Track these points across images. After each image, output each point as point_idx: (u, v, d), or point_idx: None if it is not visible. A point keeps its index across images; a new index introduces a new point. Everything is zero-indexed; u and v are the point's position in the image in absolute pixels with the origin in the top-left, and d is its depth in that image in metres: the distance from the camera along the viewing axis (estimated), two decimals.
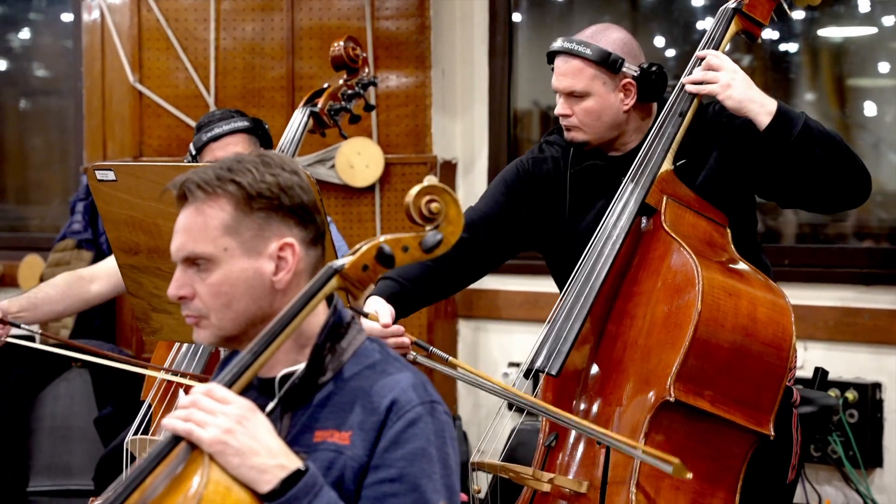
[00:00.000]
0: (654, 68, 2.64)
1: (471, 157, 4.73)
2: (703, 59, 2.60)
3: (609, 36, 2.65)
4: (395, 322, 2.47)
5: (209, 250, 1.77)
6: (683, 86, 2.62)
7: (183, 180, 1.80)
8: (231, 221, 1.77)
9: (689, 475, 2.09)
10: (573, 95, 2.63)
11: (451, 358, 2.47)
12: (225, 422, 1.66)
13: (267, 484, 1.65)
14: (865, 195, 2.58)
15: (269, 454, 1.66)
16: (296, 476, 1.66)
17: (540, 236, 2.77)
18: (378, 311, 2.47)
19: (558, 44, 2.67)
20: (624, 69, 2.62)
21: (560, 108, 2.67)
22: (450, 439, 1.78)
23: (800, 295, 3.36)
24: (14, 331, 2.95)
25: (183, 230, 1.79)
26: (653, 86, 2.64)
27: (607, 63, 2.60)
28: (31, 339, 2.99)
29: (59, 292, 3.07)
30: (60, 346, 3.07)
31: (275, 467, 1.65)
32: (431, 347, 2.50)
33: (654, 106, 2.71)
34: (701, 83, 2.58)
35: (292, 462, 1.67)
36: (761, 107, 2.51)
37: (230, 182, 1.77)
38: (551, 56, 2.70)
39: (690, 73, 2.62)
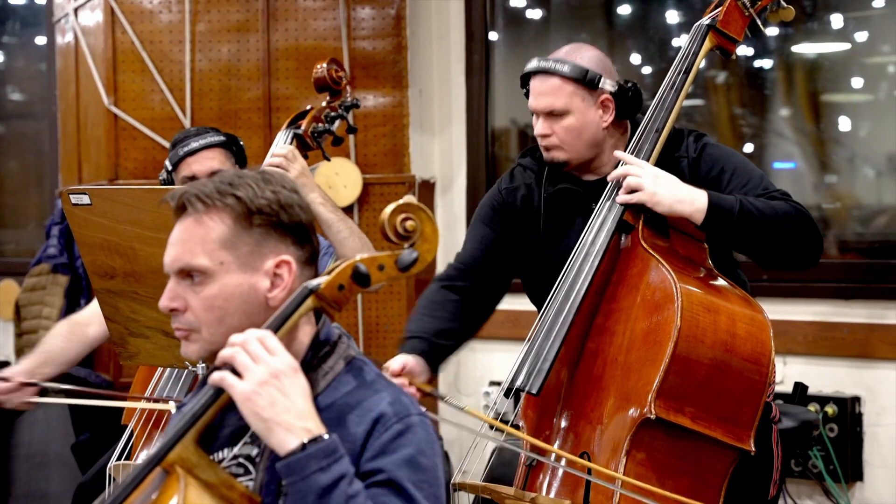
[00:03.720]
0: (629, 84, 2.65)
1: (449, 176, 4.73)
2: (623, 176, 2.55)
3: (584, 54, 2.66)
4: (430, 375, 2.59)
5: (205, 263, 1.76)
6: (658, 106, 2.64)
7: (182, 192, 1.79)
8: (230, 235, 1.76)
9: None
10: (552, 115, 2.64)
11: (466, 407, 2.46)
12: (263, 373, 1.66)
13: (290, 443, 1.64)
14: (816, 256, 2.58)
15: (297, 415, 1.66)
16: (319, 441, 1.65)
17: (519, 261, 2.78)
18: (392, 362, 2.54)
19: (534, 64, 2.68)
20: (601, 85, 2.63)
21: (539, 128, 2.66)
22: (437, 451, 1.78)
23: (778, 310, 3.37)
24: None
25: (179, 242, 1.78)
26: (629, 102, 2.65)
27: (585, 79, 2.62)
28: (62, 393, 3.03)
29: (64, 341, 3.09)
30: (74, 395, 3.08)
31: (301, 429, 1.65)
32: (445, 396, 2.48)
33: (628, 125, 2.72)
34: (630, 192, 2.53)
35: (318, 428, 1.67)
36: (692, 205, 2.49)
37: (231, 196, 1.77)
38: (525, 79, 2.71)
39: (615, 189, 2.58)
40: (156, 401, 2.94)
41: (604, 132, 2.67)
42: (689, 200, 2.49)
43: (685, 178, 2.60)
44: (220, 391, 1.71)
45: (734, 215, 2.48)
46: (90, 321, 3.11)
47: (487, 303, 2.80)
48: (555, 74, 2.63)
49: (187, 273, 1.78)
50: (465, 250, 2.81)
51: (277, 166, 3.03)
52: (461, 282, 2.75)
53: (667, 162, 2.64)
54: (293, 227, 1.79)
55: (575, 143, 2.64)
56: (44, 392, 2.97)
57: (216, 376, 1.69)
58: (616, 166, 2.65)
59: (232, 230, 1.76)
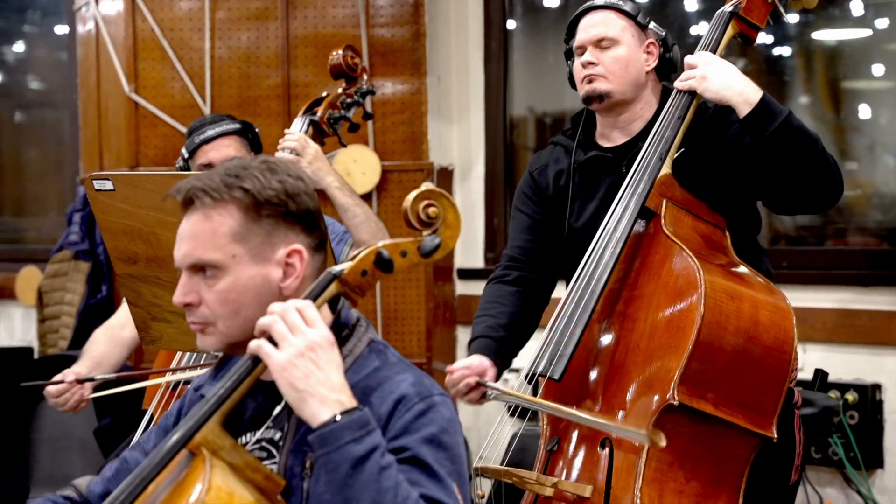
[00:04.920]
0: (672, 41, 2.73)
1: (467, 163, 4.74)
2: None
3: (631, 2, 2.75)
4: (500, 371, 2.64)
5: (217, 257, 1.77)
6: (679, 94, 2.65)
7: (188, 186, 1.78)
8: (239, 228, 1.77)
9: (662, 443, 2.08)
10: (600, 45, 2.69)
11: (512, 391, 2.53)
12: (300, 344, 1.67)
13: (323, 414, 1.65)
14: (832, 201, 2.60)
15: (331, 388, 1.67)
16: (351, 413, 1.66)
17: (557, 236, 2.79)
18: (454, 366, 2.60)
19: (588, 3, 2.75)
20: (650, 27, 2.72)
21: (586, 57, 2.70)
22: (459, 431, 1.79)
23: (798, 297, 3.35)
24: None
25: (189, 237, 1.78)
26: (669, 61, 2.72)
27: (637, 17, 2.70)
28: (111, 385, 3.10)
29: (107, 346, 3.16)
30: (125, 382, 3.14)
31: (334, 401, 1.66)
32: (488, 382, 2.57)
33: (660, 94, 2.74)
34: (685, 80, 2.62)
35: (350, 401, 1.68)
36: (740, 96, 2.53)
37: (238, 188, 1.77)
38: (574, 25, 2.75)
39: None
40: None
41: (646, 77, 2.71)
42: (739, 90, 2.53)
43: (713, 132, 2.65)
44: (251, 369, 1.72)
45: (776, 122, 2.48)
46: (124, 324, 3.13)
47: (544, 287, 2.83)
48: (609, 8, 2.71)
49: (199, 267, 1.78)
50: (511, 241, 2.86)
51: (292, 150, 3.04)
52: (514, 272, 2.80)
53: (697, 139, 2.65)
54: (301, 215, 1.80)
55: (620, 75, 2.68)
56: (98, 387, 3.04)
57: (253, 344, 1.70)
58: (647, 123, 2.69)
59: (241, 223, 1.76)
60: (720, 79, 2.55)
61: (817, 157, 2.51)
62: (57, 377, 2.99)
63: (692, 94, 2.62)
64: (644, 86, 2.71)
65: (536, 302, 2.80)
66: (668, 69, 2.75)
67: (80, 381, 2.98)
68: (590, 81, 2.69)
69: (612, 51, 2.68)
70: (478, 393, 2.56)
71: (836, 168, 2.56)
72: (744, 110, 2.52)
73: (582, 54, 2.71)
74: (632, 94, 2.70)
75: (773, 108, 2.51)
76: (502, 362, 2.66)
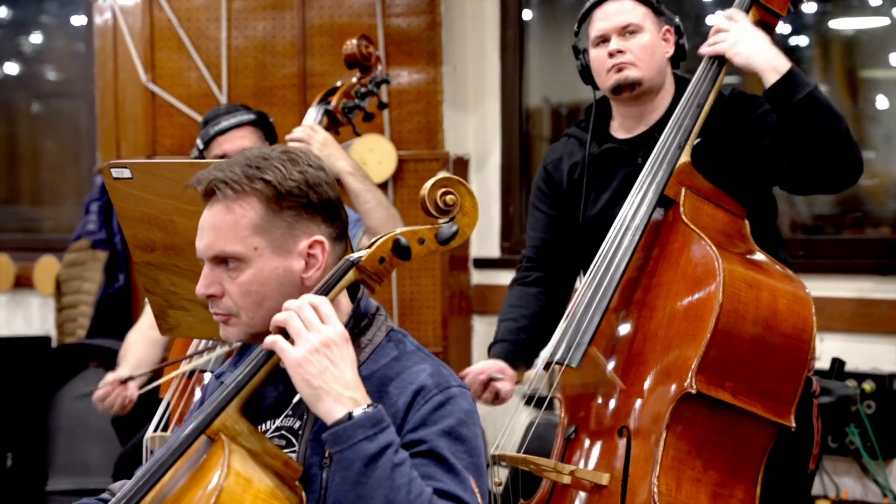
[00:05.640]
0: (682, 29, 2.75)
1: (483, 153, 4.73)
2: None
3: None
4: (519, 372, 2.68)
5: (239, 250, 1.77)
6: (699, 82, 2.63)
7: (210, 177, 1.78)
8: (261, 220, 1.77)
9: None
10: (626, 32, 2.68)
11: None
12: (315, 340, 1.67)
13: (337, 412, 1.66)
14: (851, 180, 2.60)
15: (345, 385, 1.68)
16: (365, 411, 1.67)
17: (573, 227, 2.79)
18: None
19: None
20: (665, 14, 2.72)
21: (614, 44, 2.68)
22: (478, 422, 1.79)
23: (816, 286, 3.34)
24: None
25: (211, 228, 1.78)
26: (682, 49, 2.73)
27: (654, 5, 2.70)
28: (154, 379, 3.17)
29: (144, 347, 3.23)
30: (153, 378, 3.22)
31: (348, 399, 1.67)
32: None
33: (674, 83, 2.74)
34: (713, 44, 2.61)
35: (364, 398, 1.69)
36: (769, 63, 2.53)
37: (259, 180, 1.76)
38: (584, 19, 2.75)
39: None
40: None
41: (667, 64, 2.71)
42: (767, 58, 2.53)
43: (732, 118, 2.65)
44: (268, 358, 1.73)
45: (801, 93, 2.48)
46: (154, 323, 3.16)
47: (566, 284, 2.85)
48: None
49: (222, 259, 1.78)
50: (529, 240, 2.87)
51: (300, 140, 3.05)
52: (534, 273, 2.83)
53: (715, 127, 2.64)
54: (322, 205, 1.80)
55: (649, 62, 2.67)
56: (142, 385, 3.11)
57: (269, 340, 1.71)
58: (664, 113, 2.68)
59: (262, 215, 1.76)
60: (751, 45, 2.55)
61: (840, 133, 2.51)
62: (101, 383, 3.07)
63: (713, 81, 2.61)
64: (665, 73, 2.72)
65: (560, 299, 2.81)
66: (682, 54, 2.75)
67: (123, 382, 3.04)
68: (619, 70, 2.67)
69: (638, 37, 2.67)
70: (491, 392, 2.59)
71: (857, 148, 2.56)
72: (771, 79, 2.51)
73: (599, 44, 2.70)
74: (658, 81, 2.70)
75: (799, 80, 2.51)
76: (526, 364, 2.68)
